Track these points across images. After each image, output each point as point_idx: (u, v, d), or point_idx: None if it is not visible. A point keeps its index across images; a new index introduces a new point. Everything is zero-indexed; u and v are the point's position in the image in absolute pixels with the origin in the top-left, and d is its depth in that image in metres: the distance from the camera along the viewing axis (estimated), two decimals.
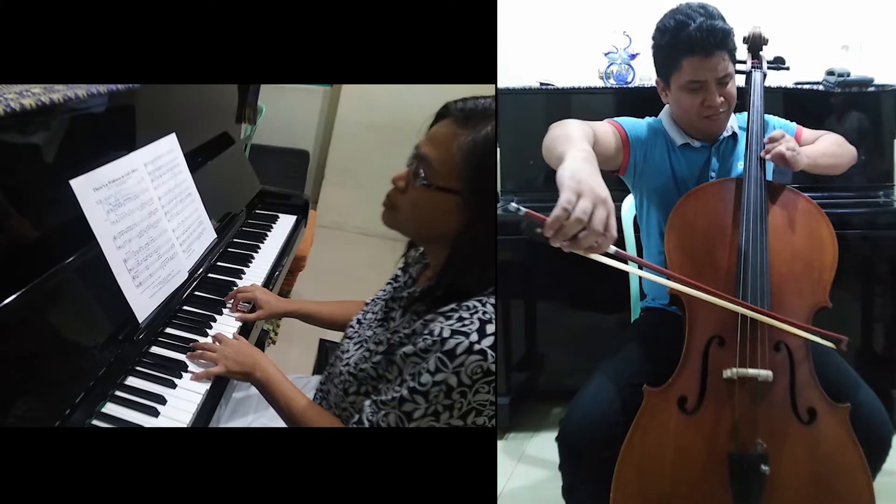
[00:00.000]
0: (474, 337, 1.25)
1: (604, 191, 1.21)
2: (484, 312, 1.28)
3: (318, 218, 4.12)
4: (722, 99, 1.70)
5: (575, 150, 1.34)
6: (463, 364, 1.24)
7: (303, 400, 1.53)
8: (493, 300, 1.32)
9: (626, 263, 1.34)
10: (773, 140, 1.68)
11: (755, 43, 1.91)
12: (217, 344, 1.68)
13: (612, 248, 1.24)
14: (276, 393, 1.55)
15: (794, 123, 1.90)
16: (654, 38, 1.74)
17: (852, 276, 2.56)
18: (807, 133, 1.89)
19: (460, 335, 1.25)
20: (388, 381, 1.38)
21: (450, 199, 1.32)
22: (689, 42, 1.65)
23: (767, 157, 1.67)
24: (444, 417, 1.28)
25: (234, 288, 2.01)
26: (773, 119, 1.89)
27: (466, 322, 1.27)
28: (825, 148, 1.82)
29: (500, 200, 2.63)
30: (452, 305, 1.31)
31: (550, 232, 1.19)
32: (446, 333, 1.26)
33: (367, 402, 1.38)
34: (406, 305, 1.45)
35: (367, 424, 1.35)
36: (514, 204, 1.28)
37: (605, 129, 1.72)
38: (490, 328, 1.26)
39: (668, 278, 1.54)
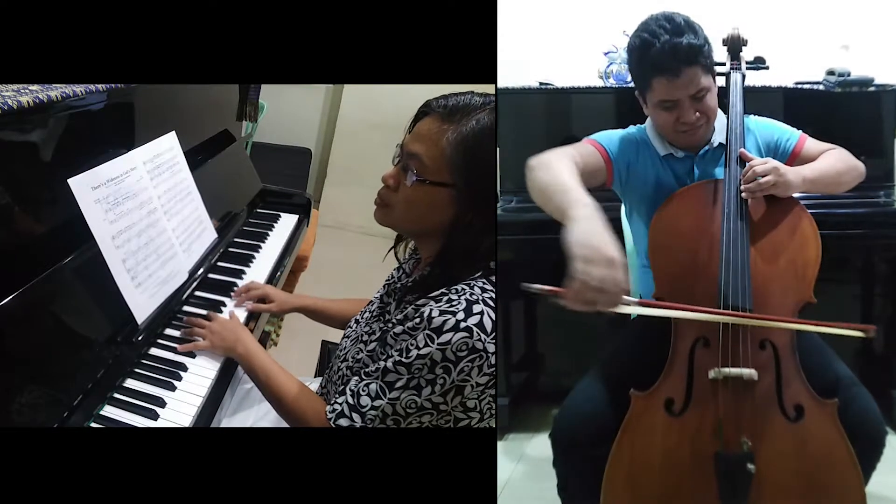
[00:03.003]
0: (461, 315, 1.29)
1: (612, 250, 1.29)
2: (471, 294, 1.33)
3: (320, 217, 4.12)
4: (698, 114, 1.66)
5: (576, 206, 1.38)
6: (449, 341, 1.29)
7: (286, 377, 1.57)
8: (481, 283, 1.36)
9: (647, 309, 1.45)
10: (748, 184, 1.61)
11: (734, 44, 1.88)
12: (205, 321, 1.75)
13: (627, 299, 1.34)
14: (257, 368, 1.60)
15: (798, 132, 1.82)
16: (626, 53, 1.72)
17: (852, 275, 2.56)
18: (811, 143, 1.79)
19: (448, 314, 1.30)
20: (380, 360, 1.42)
21: (444, 192, 1.37)
22: (654, 63, 1.61)
23: (749, 196, 1.62)
24: (426, 393, 1.33)
25: (241, 286, 2.04)
26: (772, 126, 1.85)
27: (454, 303, 1.31)
28: (827, 166, 1.73)
29: (499, 200, 2.63)
30: (442, 290, 1.35)
31: (569, 302, 1.31)
32: (435, 313, 1.31)
33: (354, 378, 1.42)
34: (400, 297, 1.50)
35: (347, 394, 1.39)
36: (525, 284, 1.36)
37: (588, 152, 1.71)
38: (477, 308, 1.31)
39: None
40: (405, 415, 1.35)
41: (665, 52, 1.59)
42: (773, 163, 1.63)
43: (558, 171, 1.52)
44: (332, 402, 1.42)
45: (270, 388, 1.56)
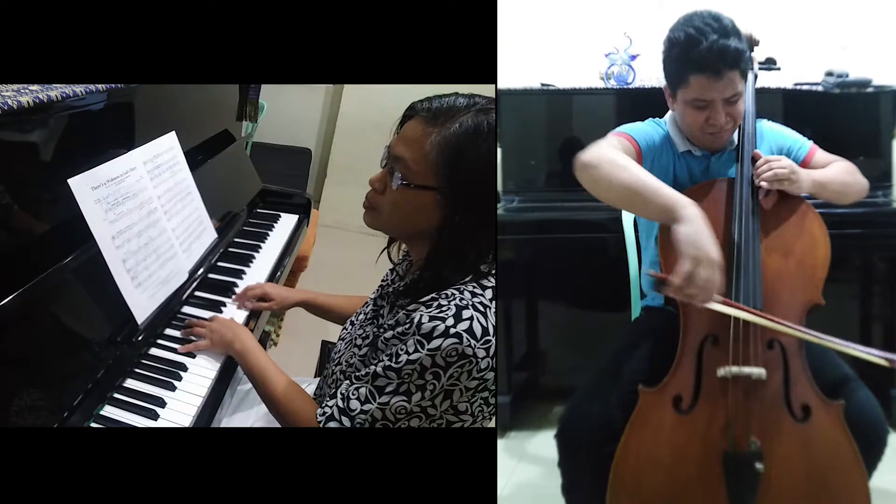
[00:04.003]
0: (450, 321, 1.29)
1: (717, 253, 1.42)
2: (461, 299, 1.33)
3: (320, 217, 4.12)
4: (728, 118, 1.65)
5: (686, 207, 1.46)
6: (439, 347, 1.29)
7: (281, 377, 1.57)
8: (471, 286, 1.37)
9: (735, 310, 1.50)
10: (758, 169, 1.64)
11: (747, 45, 1.89)
12: (206, 322, 1.76)
13: (718, 297, 1.45)
14: (253, 366, 1.61)
15: (809, 142, 1.83)
16: (664, 45, 1.69)
17: (851, 275, 2.56)
18: (820, 154, 1.81)
19: (437, 320, 1.30)
20: (370, 365, 1.42)
21: (428, 195, 1.37)
22: (698, 61, 1.59)
23: (764, 184, 1.63)
24: (416, 398, 1.33)
25: (240, 290, 2.04)
26: (785, 134, 1.86)
27: (444, 308, 1.31)
28: (835, 175, 1.74)
29: (500, 200, 2.63)
30: (433, 295, 1.35)
31: (672, 291, 1.43)
32: (425, 319, 1.31)
33: (345, 382, 1.42)
34: (392, 301, 1.49)
35: (338, 398, 1.40)
36: (651, 271, 1.50)
37: (624, 146, 1.69)
38: (466, 313, 1.31)
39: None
40: (394, 420, 1.35)
41: (713, 51, 1.57)
42: (786, 160, 1.65)
43: (638, 170, 1.54)
44: (323, 405, 1.42)
45: (265, 387, 1.56)
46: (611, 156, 1.57)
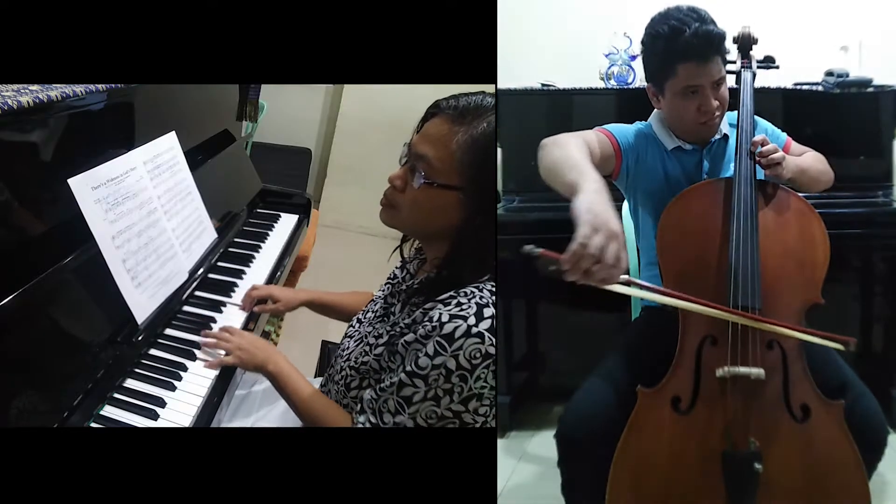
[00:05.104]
0: (472, 320, 1.27)
1: (617, 224, 1.25)
2: (481, 297, 1.31)
3: (320, 217, 4.12)
4: (717, 103, 1.70)
5: (588, 180, 1.36)
6: (461, 347, 1.27)
7: (320, 399, 1.54)
8: (489, 286, 1.35)
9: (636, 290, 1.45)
10: (755, 144, 1.68)
11: (745, 42, 1.91)
12: (230, 335, 1.70)
13: (623, 277, 1.30)
14: (291, 390, 1.56)
15: (784, 134, 1.90)
16: (644, 44, 1.74)
17: (851, 275, 2.56)
18: (794, 146, 1.89)
19: (458, 319, 1.28)
20: (391, 371, 1.40)
21: (451, 195, 1.35)
22: (685, 49, 1.64)
23: (759, 159, 1.68)
24: (445, 402, 1.31)
25: (239, 289, 2.02)
26: (764, 123, 1.89)
27: (464, 306, 1.30)
28: (812, 163, 1.82)
29: (501, 200, 2.63)
30: (451, 293, 1.34)
31: (567, 266, 1.24)
32: (445, 318, 1.29)
33: (368, 391, 1.41)
34: (405, 299, 1.48)
35: (368, 412, 1.38)
36: (528, 246, 1.28)
37: (600, 139, 1.73)
38: (487, 311, 1.29)
39: (665, 297, 1.54)
40: (427, 426, 1.33)
41: (698, 37, 1.63)
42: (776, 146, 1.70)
43: (570, 149, 1.53)
44: (354, 421, 1.41)
45: (304, 410, 1.53)
46: (558, 138, 1.59)
